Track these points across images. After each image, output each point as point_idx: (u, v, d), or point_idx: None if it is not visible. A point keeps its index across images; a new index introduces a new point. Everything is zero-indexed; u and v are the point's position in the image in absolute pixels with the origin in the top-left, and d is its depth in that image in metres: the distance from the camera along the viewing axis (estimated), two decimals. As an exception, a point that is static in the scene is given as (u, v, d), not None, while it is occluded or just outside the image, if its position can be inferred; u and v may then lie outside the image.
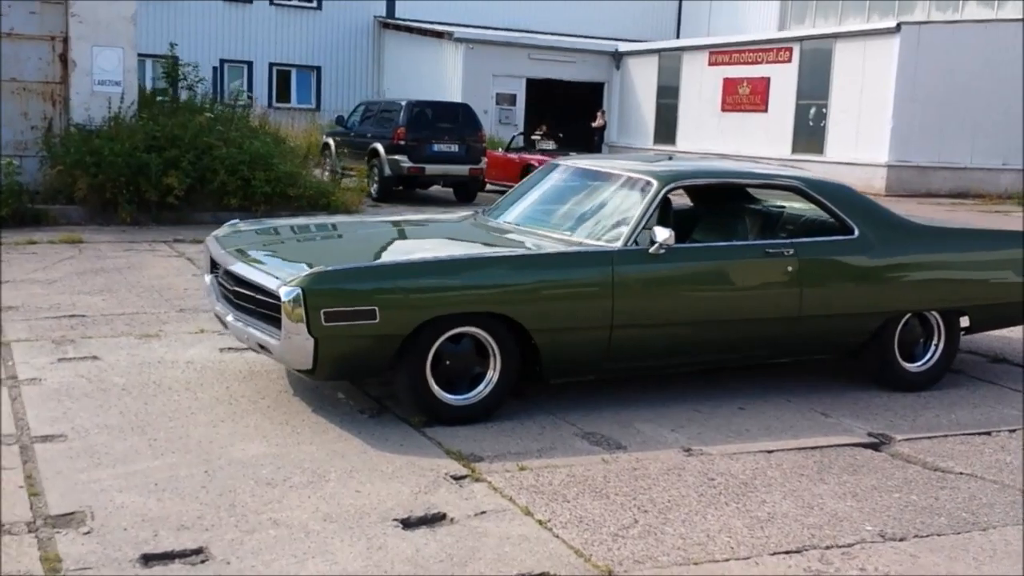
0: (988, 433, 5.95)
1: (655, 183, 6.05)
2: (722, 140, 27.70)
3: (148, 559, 3.87)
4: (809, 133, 25.35)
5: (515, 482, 4.78)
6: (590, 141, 29.65)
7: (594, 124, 29.77)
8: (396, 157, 17.62)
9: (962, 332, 6.88)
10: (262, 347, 5.45)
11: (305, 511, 4.36)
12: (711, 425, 5.82)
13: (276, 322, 5.31)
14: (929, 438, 5.80)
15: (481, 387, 5.60)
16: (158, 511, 4.29)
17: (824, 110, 24.96)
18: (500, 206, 6.96)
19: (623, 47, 32.74)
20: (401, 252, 6.16)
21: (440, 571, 3.84)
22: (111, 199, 13.36)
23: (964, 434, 5.90)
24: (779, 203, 7.20)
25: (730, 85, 27.92)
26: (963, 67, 23.16)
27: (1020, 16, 25.41)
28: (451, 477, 4.82)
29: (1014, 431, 6.01)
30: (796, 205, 7.07)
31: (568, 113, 31.47)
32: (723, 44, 28.70)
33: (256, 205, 14.13)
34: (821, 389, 6.63)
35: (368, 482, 4.71)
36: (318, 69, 35.32)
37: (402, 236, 6.79)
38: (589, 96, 32.76)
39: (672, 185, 6.07)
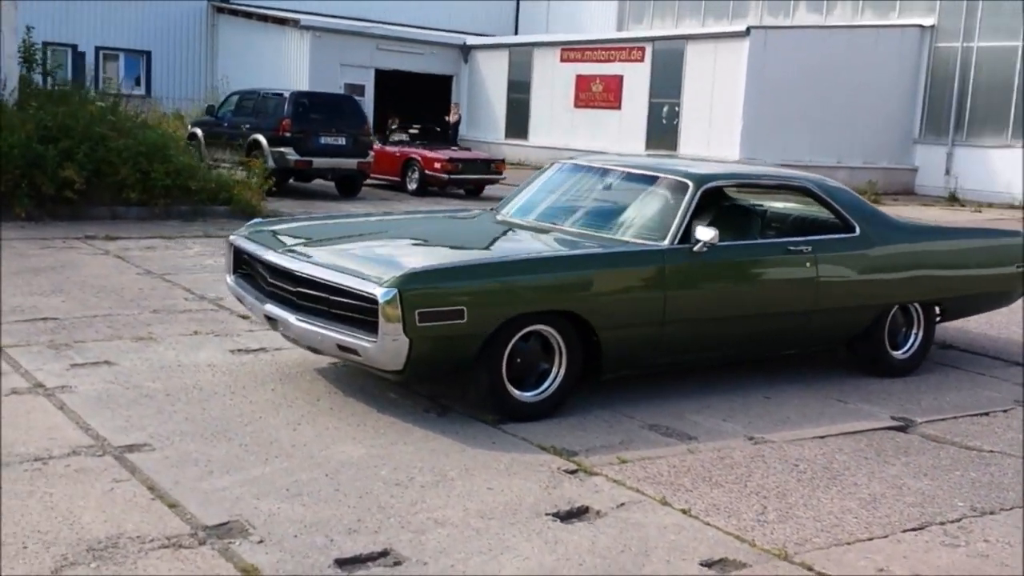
0: (987, 414, 6.52)
1: (691, 184, 6.34)
2: (576, 136, 28.39)
3: (343, 564, 3.88)
4: (662, 130, 26.31)
5: (627, 474, 4.97)
6: (445, 135, 29.76)
7: (449, 118, 29.88)
8: (281, 150, 17.30)
9: (937, 321, 7.49)
10: (343, 349, 5.42)
11: (455, 510, 4.43)
12: (752, 414, 6.16)
13: (362, 324, 5.31)
14: (943, 420, 6.31)
15: (547, 384, 5.76)
16: (312, 516, 4.28)
17: (677, 108, 25.96)
18: (520, 205, 7.08)
19: (471, 40, 33.00)
20: (466, 250, 6.21)
21: (626, 561, 4.01)
22: (5, 193, 12.64)
23: (969, 415, 6.45)
24: (774, 204, 7.62)
25: (583, 82, 28.62)
26: (804, 70, 24.55)
27: (849, 23, 27.13)
28: (564, 471, 4.97)
29: (1007, 411, 6.60)
30: (791, 205, 7.50)
31: (418, 106, 31.48)
32: (575, 41, 29.38)
33: (156, 199, 13.70)
34: (825, 377, 7.08)
35: (492, 479, 4.81)
36: (148, 54, 34.00)
37: (450, 233, 6.82)
38: (438, 89, 32.86)
39: (707, 186, 6.38)
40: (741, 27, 24.80)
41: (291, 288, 5.75)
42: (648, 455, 5.28)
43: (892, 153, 26.21)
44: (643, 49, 26.88)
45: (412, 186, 19.53)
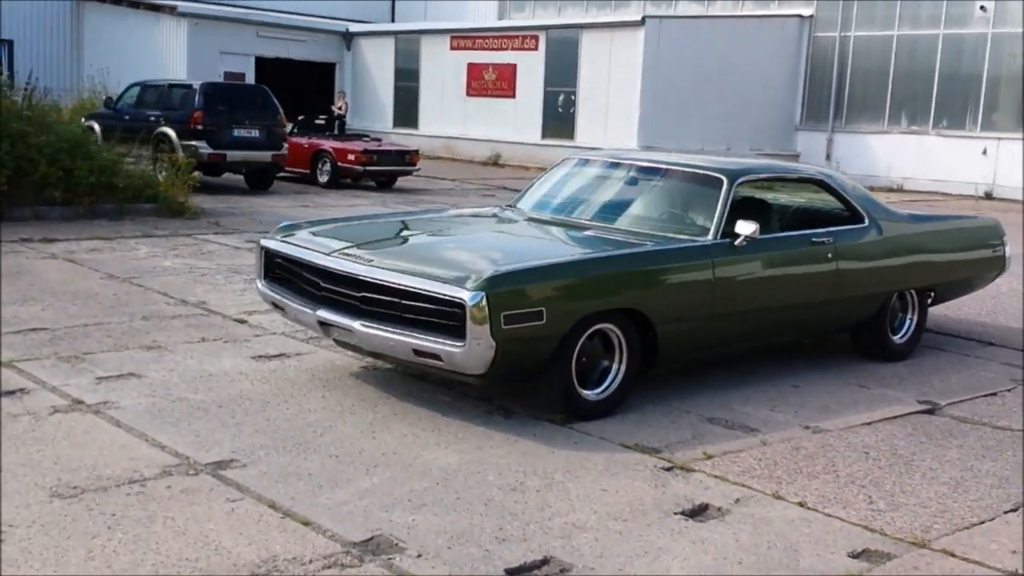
0: (995, 394, 6.86)
1: (724, 180, 6.47)
2: (469, 125, 28.38)
3: (513, 574, 3.86)
4: (559, 119, 26.54)
5: (722, 469, 5.07)
6: (331, 125, 29.28)
7: (335, 108, 29.41)
8: (192, 143, 16.74)
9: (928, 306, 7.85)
10: (420, 354, 5.34)
11: (585, 513, 4.44)
12: (793, 402, 6.34)
13: (442, 328, 5.25)
14: (962, 402, 6.61)
15: (609, 381, 5.81)
16: (452, 527, 4.24)
17: (573, 97, 26.22)
18: (544, 201, 7.08)
19: (354, 27, 32.55)
20: (530, 250, 6.17)
21: (779, 557, 4.10)
22: (-79, 195, 11.92)
23: (981, 396, 6.78)
24: (779, 197, 7.83)
25: (475, 70, 28.60)
26: (696, 59, 25.14)
27: (731, 13, 27.89)
28: (661, 469, 5.04)
29: (1010, 390, 6.96)
30: (794, 198, 7.72)
31: (301, 94, 30.87)
32: (466, 29, 29.32)
33: (80, 198, 13.12)
34: (836, 364, 7.33)
35: (599, 480, 4.84)
36: (9, 43, 32.37)
37: (497, 232, 6.79)
38: (321, 77, 32.32)
39: (739, 180, 6.52)
40: (636, 16, 25.17)
41: (354, 293, 5.62)
42: (728, 449, 5.38)
43: (776, 139, 27.08)
44: (537, 37, 27.02)
45: (323, 179, 19.21)
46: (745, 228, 6.18)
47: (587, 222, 6.66)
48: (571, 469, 4.97)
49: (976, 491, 4.96)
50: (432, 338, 5.28)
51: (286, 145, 17.92)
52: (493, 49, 28.17)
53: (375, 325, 5.50)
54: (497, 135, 27.73)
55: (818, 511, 4.59)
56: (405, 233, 6.43)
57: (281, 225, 6.61)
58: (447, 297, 5.19)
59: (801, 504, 4.65)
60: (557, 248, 6.19)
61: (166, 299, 8.48)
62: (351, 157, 18.75)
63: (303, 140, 19.45)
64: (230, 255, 10.87)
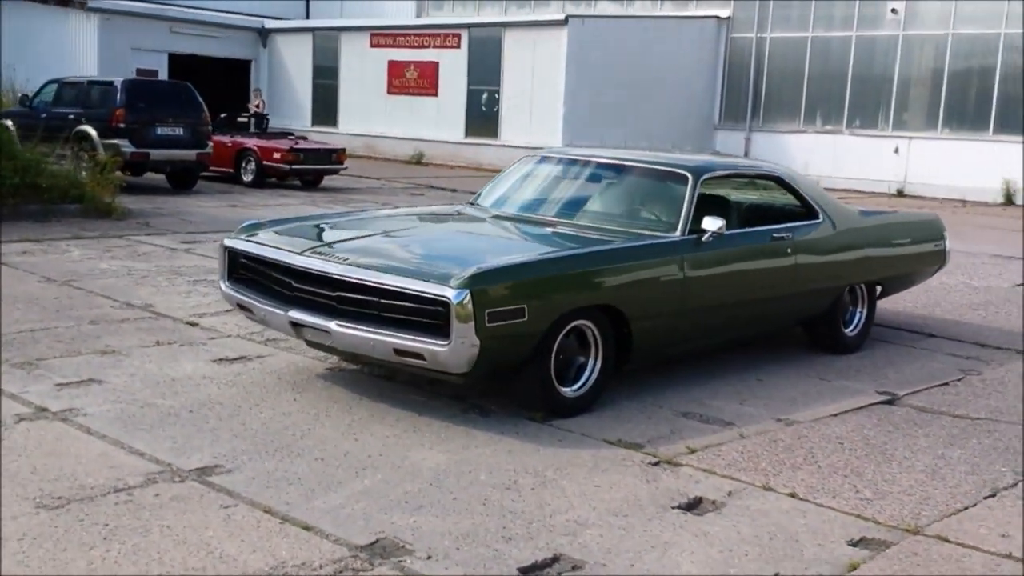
0: (947, 384, 7.05)
1: (690, 176, 6.53)
2: (391, 123, 28.21)
3: (527, 572, 3.85)
4: (483, 118, 26.53)
5: (707, 463, 5.12)
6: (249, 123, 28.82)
7: (252, 107, 28.94)
8: (114, 142, 16.32)
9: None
10: (400, 353, 5.28)
11: (584, 510, 4.45)
12: (761, 396, 6.43)
13: (423, 327, 5.20)
14: (918, 392, 6.78)
15: (585, 378, 5.82)
16: (455, 528, 4.20)
17: (496, 96, 26.24)
18: (508, 199, 7.06)
19: (270, 24, 32.11)
20: (496, 248, 6.13)
21: (783, 547, 4.16)
22: None
23: (935, 386, 6.96)
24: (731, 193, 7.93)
25: (396, 68, 28.43)
26: (618, 58, 25.35)
27: (649, 14, 28.20)
28: (649, 464, 5.07)
29: (960, 380, 7.16)
30: (750, 195, 7.84)
31: (216, 92, 30.30)
32: (386, 27, 29.12)
33: (3, 199, 12.67)
34: (793, 357, 7.45)
35: (591, 477, 4.85)
36: (-92, 41, 31.18)
37: (466, 230, 6.73)
38: (236, 74, 31.80)
39: (704, 177, 6.59)
40: (557, 15, 25.29)
41: (329, 293, 5.54)
42: (709, 443, 5.43)
43: (695, 139, 27.42)
44: (459, 35, 26.97)
45: (248, 178, 18.90)
46: (712, 224, 6.25)
47: (553, 219, 6.66)
48: (561, 467, 4.97)
49: (952, 478, 5.09)
50: (414, 337, 5.22)
51: (211, 143, 17.57)
52: (415, 47, 28.04)
53: (352, 325, 5.43)
54: (420, 133, 27.63)
55: (810, 501, 4.66)
56: (373, 231, 6.34)
57: (244, 224, 6.47)
58: (431, 296, 5.14)
59: (792, 495, 4.71)
60: (531, 245, 6.18)
61: (111, 302, 8.25)
62: (277, 156, 18.49)
63: (226, 139, 19.10)
64: (167, 256, 10.62)
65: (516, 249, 6.01)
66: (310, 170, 19.05)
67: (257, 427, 5.36)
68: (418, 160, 27.38)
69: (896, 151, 24.34)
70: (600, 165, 7.09)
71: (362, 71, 29.35)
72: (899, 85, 24.73)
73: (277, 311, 5.77)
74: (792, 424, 5.87)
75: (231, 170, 19.04)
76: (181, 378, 6.19)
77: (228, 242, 6.27)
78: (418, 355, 5.23)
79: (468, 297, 5.05)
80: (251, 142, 19.00)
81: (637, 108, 25.66)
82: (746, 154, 27.05)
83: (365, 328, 5.38)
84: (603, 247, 5.98)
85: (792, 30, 26.52)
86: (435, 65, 27.53)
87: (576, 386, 5.78)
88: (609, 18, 26.67)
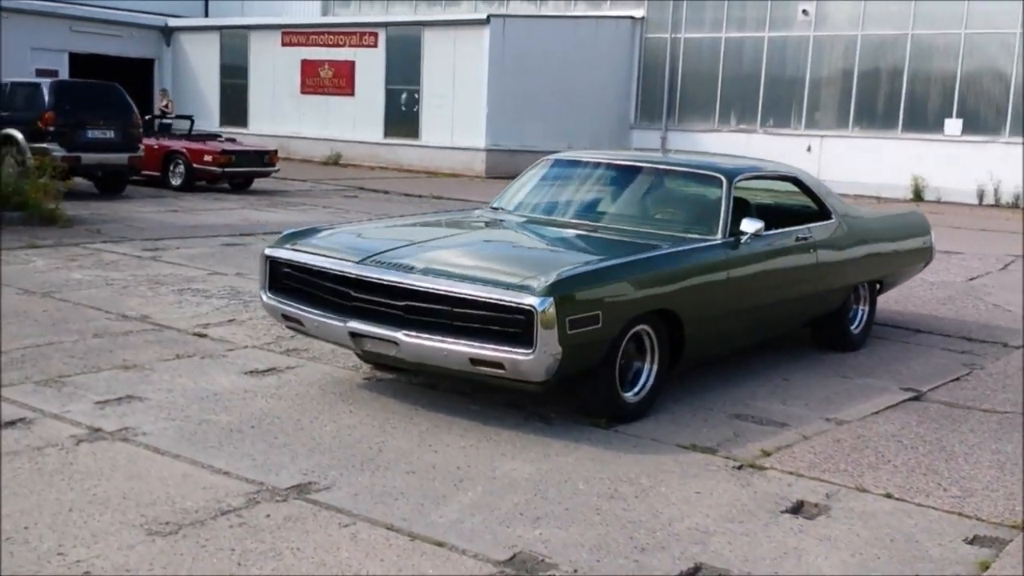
0: (959, 379, 7.27)
1: (724, 179, 6.60)
2: (305, 123, 27.78)
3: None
4: (402, 118, 26.32)
5: (790, 465, 5.18)
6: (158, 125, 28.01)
7: (159, 107, 28.14)
8: (43, 146, 15.66)
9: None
10: (477, 363, 5.19)
11: (699, 517, 4.46)
12: (797, 395, 6.54)
13: (504, 336, 5.14)
14: (937, 387, 6.98)
15: (643, 382, 5.83)
16: (585, 540, 4.17)
17: (417, 96, 26.05)
18: (530, 203, 7.03)
19: (173, 22, 31.27)
20: (556, 254, 6.09)
21: (906, 548, 4.23)
22: None
23: (949, 381, 7.16)
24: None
25: (310, 67, 27.99)
26: (538, 58, 25.43)
27: (562, 13, 28.36)
28: (734, 468, 5.10)
29: (969, 375, 7.39)
30: (760, 196, 7.95)
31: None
32: (298, 25, 28.65)
33: (-58, 205, 12.07)
34: (806, 356, 7.59)
35: (686, 483, 4.86)
36: None
37: (516, 235, 6.65)
38: (139, 74, 30.86)
39: (737, 179, 6.67)
40: (474, 14, 25.24)
41: (396, 302, 5.42)
42: (778, 445, 5.50)
43: (612, 138, 27.69)
44: (376, 34, 26.70)
45: (176, 181, 18.37)
46: (751, 226, 6.33)
47: (590, 223, 6.65)
48: (651, 473, 4.97)
49: (1019, 472, 5.24)
50: (494, 346, 5.14)
51: (142, 146, 17.02)
52: (329, 46, 27.64)
53: (423, 335, 5.32)
54: (336, 134, 27.28)
55: (907, 501, 4.75)
56: (427, 239, 6.20)
57: (284, 234, 6.28)
58: (512, 304, 5.08)
59: (888, 496, 4.80)
60: (589, 251, 6.11)
61: (105, 314, 7.94)
62: (208, 158, 18.01)
63: (152, 141, 18.50)
64: (137, 265, 10.26)
65: (578, 255, 5.96)
66: (242, 172, 18.61)
67: (328, 441, 5.23)
68: (335, 161, 27.02)
69: (809, 149, 24.99)
70: (627, 169, 7.10)
71: (273, 70, 28.82)
72: (811, 85, 25.40)
73: (334, 322, 5.62)
74: (843, 424, 5.98)
75: (158, 173, 18.45)
76: (222, 392, 6.00)
77: (270, 252, 6.08)
78: (497, 364, 5.15)
79: (551, 304, 5.01)
80: (180, 144, 18.47)
81: (558, 107, 25.78)
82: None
83: (437, 338, 5.29)
84: (662, 251, 5.99)
85: (706, 31, 26.99)
86: (351, 64, 27.21)
87: (635, 391, 5.79)
88: (531, 18, 26.73)
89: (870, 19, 24.37)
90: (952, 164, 22.85)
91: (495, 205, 7.29)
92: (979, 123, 23.13)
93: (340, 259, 5.74)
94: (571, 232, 6.55)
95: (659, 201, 6.83)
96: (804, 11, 25.23)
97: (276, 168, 19.21)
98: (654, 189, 6.89)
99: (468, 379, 5.66)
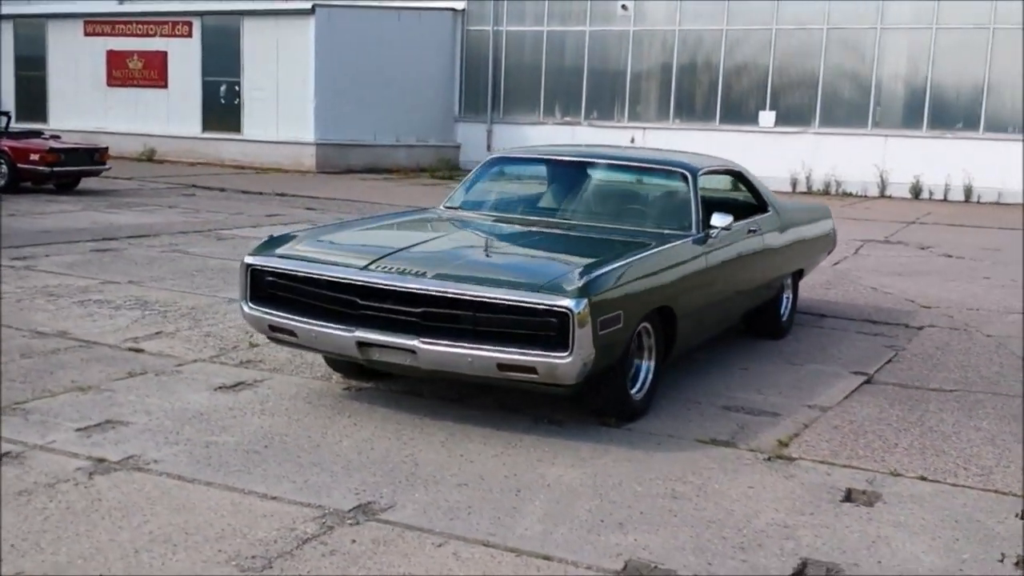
0: (891, 361, 7.66)
1: (689, 175, 6.71)
2: (111, 117, 26.36)
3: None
4: (222, 111, 25.34)
5: (814, 454, 5.32)
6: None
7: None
8: None
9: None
10: (505, 368, 5.06)
11: (771, 512, 4.51)
12: (767, 384, 6.72)
13: (535, 339, 5.04)
14: (880, 370, 7.32)
15: (643, 379, 5.86)
16: (681, 543, 4.16)
17: (237, 88, 25.14)
18: (488, 202, 6.94)
19: (-44, 11, 28.97)
20: (560, 255, 5.98)
21: (976, 530, 4.42)
22: None
23: (884, 365, 7.51)
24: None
25: (117, 58, 26.54)
26: (366, 49, 24.99)
27: (388, 5, 28.01)
28: (766, 460, 5.20)
29: (897, 357, 7.79)
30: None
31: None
32: (103, 14, 27.07)
33: None
34: (740, 344, 7.79)
35: (732, 479, 4.91)
36: None
37: (498, 237, 6.49)
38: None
39: (700, 173, 6.78)
40: (301, 3, 24.56)
41: (411, 309, 5.22)
42: (788, 434, 5.63)
43: (438, 131, 27.67)
44: (190, 23, 25.56)
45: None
46: (721, 220, 6.46)
47: (565, 222, 6.62)
48: (693, 471, 5.00)
49: (1009, 445, 5.57)
50: (525, 351, 5.03)
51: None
52: (138, 35, 26.29)
53: (443, 342, 5.15)
54: (148, 128, 26.01)
55: (942, 482, 4.96)
56: (416, 242, 5.98)
57: (265, 240, 5.92)
58: (547, 307, 4.98)
59: (922, 479, 5.00)
60: (592, 251, 6.00)
61: (19, 332, 7.30)
62: (35, 157, 16.78)
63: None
64: (17, 276, 9.45)
65: (584, 255, 5.84)
66: (73, 172, 17.43)
67: (355, 457, 5.00)
68: (149, 157, 25.73)
69: (632, 141, 25.65)
70: (588, 165, 7.09)
71: (76, 62, 27.16)
72: (632, 78, 26.10)
73: (338, 332, 5.36)
74: (826, 410, 6.18)
75: (-27, 174, 17.03)
76: (206, 411, 5.63)
77: (253, 260, 5.72)
78: (529, 369, 5.04)
79: (586, 306, 4.96)
80: (1, 143, 17.10)
81: (385, 99, 25.46)
82: (488, 147, 27.60)
83: (459, 345, 5.12)
84: (659, 249, 6.00)
85: (527, 24, 27.26)
86: (163, 55, 25.97)
87: (637, 388, 5.80)
88: (356, 8, 26.19)
89: (686, 15, 25.25)
90: (767, 154, 23.96)
91: (451, 204, 7.13)
92: (791, 115, 24.40)
93: (340, 266, 5.47)
94: (554, 231, 6.50)
95: (628, 198, 6.88)
96: (623, 6, 25.88)
97: (107, 167, 18.12)
98: (620, 185, 6.92)
99: (485, 385, 5.53)
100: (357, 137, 25.08)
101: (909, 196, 23.00)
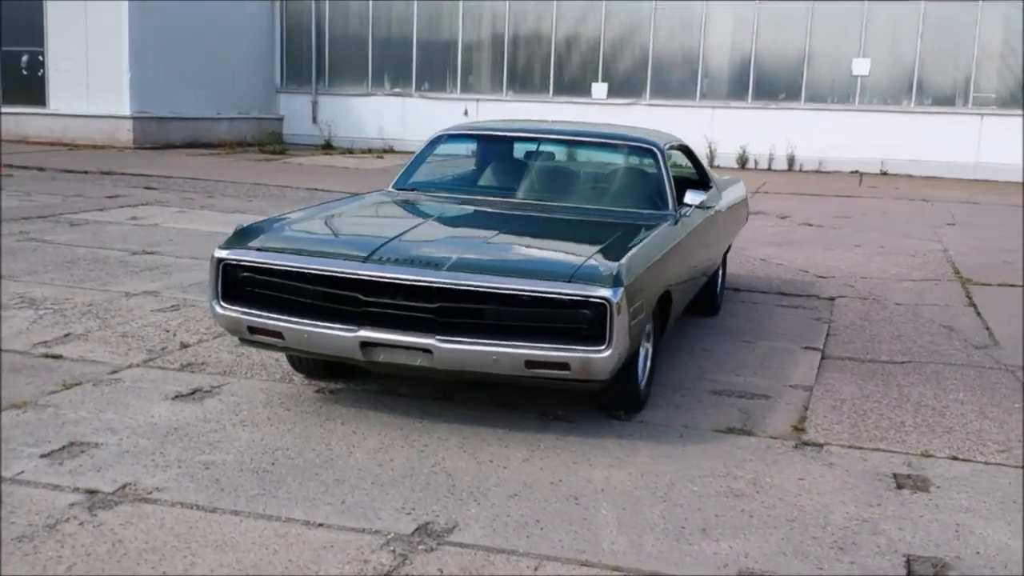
0: (830, 335, 7.71)
1: (658, 151, 6.49)
2: None
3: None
4: (24, 83, 23.36)
5: (836, 438, 5.21)
6: None
7: None
8: None
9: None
10: (534, 365, 4.70)
11: (841, 507, 4.35)
12: (737, 365, 6.60)
13: (567, 333, 4.71)
14: (826, 345, 7.35)
15: (641, 365, 5.62)
16: (774, 547, 3.94)
17: (40, 58, 23.25)
18: (446, 183, 6.53)
19: None
20: (572, 241, 5.59)
21: (1028, 507, 4.42)
22: None
23: (826, 338, 7.58)
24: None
25: (-101, 26, 24.03)
26: (183, 20, 23.55)
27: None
28: (793, 448, 5.05)
29: (828, 329, 7.86)
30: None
31: None
32: None
33: None
34: (685, 324, 7.68)
35: (778, 471, 4.74)
36: None
37: (487, 220, 6.03)
38: None
39: (665, 149, 6.57)
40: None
41: (425, 305, 4.77)
42: (797, 418, 5.51)
43: (260, 103, 26.55)
44: (-15, -10, 23.42)
45: None
46: (694, 198, 6.29)
47: (537, 202, 6.26)
48: (735, 464, 4.80)
49: (1002, 416, 5.64)
50: (556, 346, 4.67)
51: None
52: (-77, 1, 23.87)
53: (463, 340, 4.73)
54: (-63, 103, 23.72)
55: (974, 461, 4.93)
56: (404, 229, 5.46)
57: (237, 231, 5.27)
58: (582, 297, 4.64)
59: (954, 458, 4.96)
60: (595, 235, 5.61)
61: (-100, 339, 6.35)
62: None
63: None
64: None
65: (585, 241, 5.48)
66: None
67: (377, 470, 4.54)
68: (-60, 133, 23.48)
69: (466, 113, 25.35)
70: (547, 142, 6.75)
71: None
72: (464, 50, 25.71)
73: (337, 332, 4.84)
74: (808, 389, 6.11)
75: None
76: (179, 426, 5.01)
77: (225, 254, 5.09)
78: (561, 365, 4.69)
79: (623, 295, 4.65)
80: None
81: (203, 70, 24.13)
82: (314, 119, 26.75)
83: (482, 342, 4.72)
84: (657, 231, 5.72)
85: (350, -4, 26.43)
86: (-46, 22, 23.69)
87: (641, 376, 5.54)
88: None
89: (517, -14, 25.07)
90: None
91: (401, 186, 6.64)
92: (624, 87, 24.65)
93: (336, 258, 4.95)
94: (529, 213, 6.13)
95: (596, 177, 6.59)
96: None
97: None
98: (584, 163, 6.63)
99: (504, 383, 5.14)
100: (176, 110, 23.70)
101: (736, 166, 23.66)
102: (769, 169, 23.63)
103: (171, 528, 3.85)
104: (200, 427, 4.98)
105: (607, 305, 4.59)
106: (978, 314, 8.49)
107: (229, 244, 5.16)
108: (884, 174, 22.80)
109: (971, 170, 22.36)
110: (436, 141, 6.88)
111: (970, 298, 9.16)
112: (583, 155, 6.75)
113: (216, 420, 5.09)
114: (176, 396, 5.46)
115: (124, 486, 4.23)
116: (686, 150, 7.49)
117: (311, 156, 23.08)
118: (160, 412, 5.18)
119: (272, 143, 24.58)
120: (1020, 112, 21.94)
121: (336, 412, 5.29)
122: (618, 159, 6.69)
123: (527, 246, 5.38)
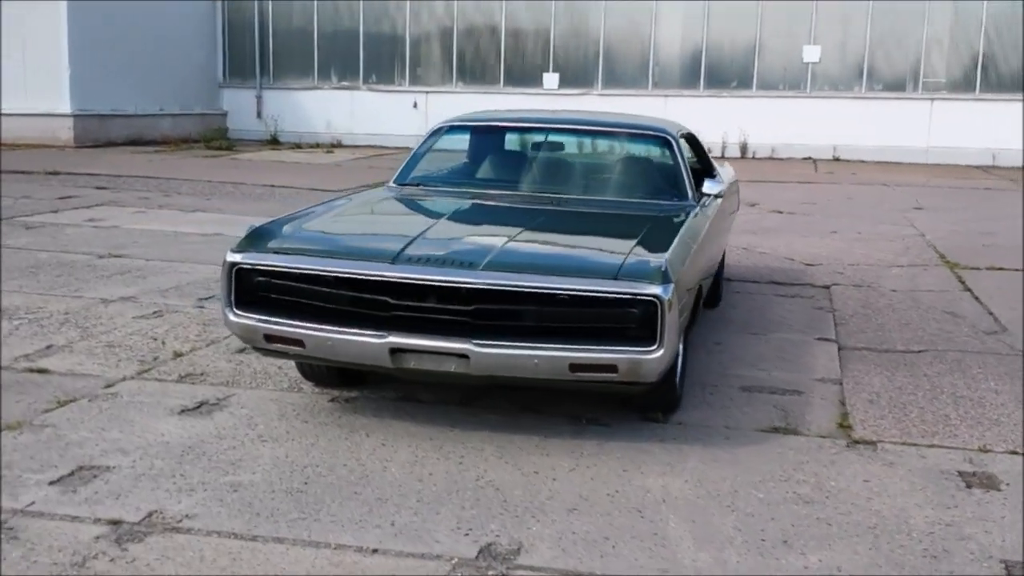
0: (837, 324, 7.52)
1: (672, 140, 6.23)
2: None
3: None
4: (-43, 81, 22.47)
5: (887, 435, 4.99)
6: None
7: None
8: None
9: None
10: (579, 369, 4.40)
11: (917, 509, 4.14)
12: (756, 359, 6.37)
13: (615, 333, 4.43)
14: (838, 335, 7.16)
15: (678, 364, 5.35)
16: (862, 560, 3.71)
17: (-26, 55, 22.36)
18: (455, 177, 6.18)
19: None
20: (602, 236, 5.28)
21: (1104, 503, 4.24)
22: None
23: (837, 327, 7.39)
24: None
25: None
26: (124, 16, 22.85)
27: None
28: (848, 447, 4.83)
29: (833, 318, 7.69)
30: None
31: None
32: None
33: None
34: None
35: (839, 472, 4.51)
36: None
37: (510, 215, 5.72)
38: None
39: (679, 137, 6.32)
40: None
41: (461, 308, 4.45)
42: (838, 414, 5.30)
43: (202, 99, 25.89)
44: (-88, -16, 22.45)
45: None
46: (713, 187, 6.07)
47: (555, 196, 5.95)
48: (793, 467, 4.56)
49: (999, 401, 5.50)
50: (603, 347, 4.39)
51: None
52: None
53: (503, 343, 4.42)
54: None
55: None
56: (423, 228, 5.13)
57: (251, 233, 4.89)
58: (631, 295, 4.36)
59: (1013, 452, 4.77)
60: (616, 229, 5.39)
61: None
62: None
63: None
64: None
65: (620, 235, 5.18)
66: None
67: (418, 486, 4.23)
68: None
69: (415, 105, 24.98)
70: (556, 131, 6.46)
71: None
72: (412, 42, 25.28)
73: (365, 339, 4.50)
74: (837, 383, 5.90)
75: None
76: (193, 444, 4.64)
77: (239, 258, 4.72)
78: (609, 368, 4.40)
79: (673, 291, 4.38)
80: None
81: (144, 66, 23.42)
82: (259, 114, 26.16)
83: (523, 345, 4.41)
84: (685, 223, 5.45)
85: (293, -12, 25.85)
86: None
87: (678, 376, 5.28)
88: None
89: (464, -23, 24.70)
90: (554, 116, 23.90)
91: (403, 181, 6.29)
92: (575, 78, 24.41)
93: (362, 260, 4.60)
94: (549, 207, 5.81)
95: (612, 167, 6.30)
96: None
97: None
98: (599, 153, 6.34)
99: (541, 388, 4.85)
100: (117, 107, 23.00)
101: (691, 155, 23.54)
102: (722, 156, 23.49)
103: (213, 560, 3.50)
104: (216, 444, 4.61)
105: (658, 303, 4.32)
106: (976, 299, 8.37)
107: (243, 247, 4.78)
108: (837, 160, 22.85)
109: (923, 154, 22.49)
110: (436, 133, 6.54)
111: (963, 283, 9.06)
112: (592, 145, 6.47)
113: (232, 436, 4.72)
114: (183, 410, 5.08)
115: (150, 514, 3.86)
116: (691, 138, 7.24)
117: (259, 152, 22.53)
118: (169, 429, 4.80)
119: (217, 139, 23.96)
120: (1007, 97, 22.01)
121: (358, 423, 4.95)
122: (631, 148, 6.42)
123: (560, 243, 5.09)
